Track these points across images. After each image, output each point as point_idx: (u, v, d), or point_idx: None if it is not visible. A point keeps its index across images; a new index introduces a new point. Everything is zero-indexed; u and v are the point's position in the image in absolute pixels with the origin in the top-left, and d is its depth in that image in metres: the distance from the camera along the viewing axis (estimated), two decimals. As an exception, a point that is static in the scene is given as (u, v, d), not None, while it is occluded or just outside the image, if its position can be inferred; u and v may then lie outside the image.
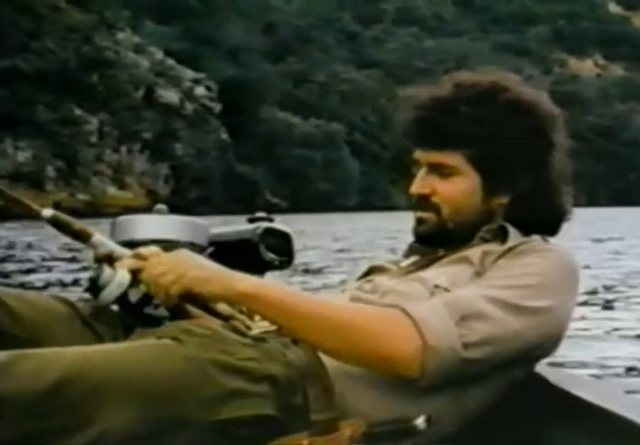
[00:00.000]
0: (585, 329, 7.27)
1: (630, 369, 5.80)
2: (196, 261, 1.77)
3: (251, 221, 2.23)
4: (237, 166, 78.75)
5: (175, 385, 1.64)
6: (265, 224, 2.21)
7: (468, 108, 1.92)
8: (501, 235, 1.97)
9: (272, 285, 1.75)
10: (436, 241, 2.02)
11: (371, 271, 2.11)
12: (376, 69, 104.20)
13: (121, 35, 78.04)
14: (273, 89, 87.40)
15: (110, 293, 1.64)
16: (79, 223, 1.92)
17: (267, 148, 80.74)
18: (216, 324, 1.81)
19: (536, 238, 1.97)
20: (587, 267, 12.73)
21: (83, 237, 1.91)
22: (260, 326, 1.78)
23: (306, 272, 13.01)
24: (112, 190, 70.15)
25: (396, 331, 1.70)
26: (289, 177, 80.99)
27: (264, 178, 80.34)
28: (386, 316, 1.72)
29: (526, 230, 1.99)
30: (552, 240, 2.00)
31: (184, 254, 1.78)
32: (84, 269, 11.25)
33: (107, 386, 1.60)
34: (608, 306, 9.21)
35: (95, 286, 1.80)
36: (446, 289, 1.86)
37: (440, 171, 1.98)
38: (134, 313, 1.88)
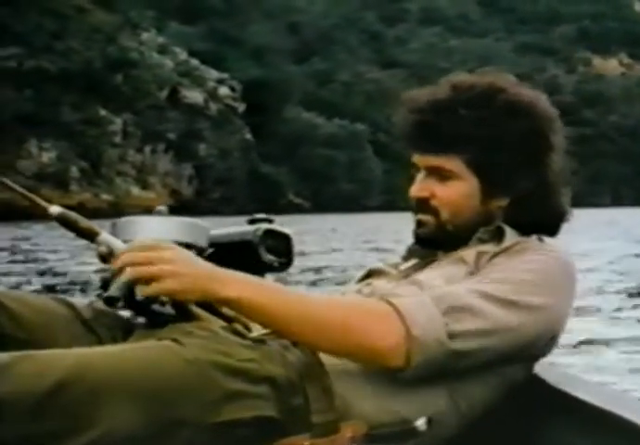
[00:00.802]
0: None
1: None
2: (184, 263, 1.65)
3: (251, 222, 2.22)
4: (261, 166, 78.90)
5: (176, 386, 1.64)
6: (265, 226, 2.20)
7: (466, 112, 1.92)
8: (498, 236, 1.96)
9: (262, 287, 1.69)
10: (436, 243, 2.02)
11: (370, 274, 2.11)
12: (399, 68, 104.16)
13: (145, 36, 78.36)
14: (296, 89, 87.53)
15: (114, 291, 1.63)
16: (86, 222, 1.90)
17: (291, 148, 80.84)
18: (216, 325, 1.82)
19: (532, 238, 1.97)
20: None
21: (89, 236, 1.89)
22: (260, 328, 1.78)
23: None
24: (136, 190, 70.41)
25: (380, 322, 1.70)
26: (313, 177, 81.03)
27: (288, 178, 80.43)
28: (370, 308, 1.73)
29: (525, 231, 1.98)
30: (550, 240, 2.00)
31: (170, 254, 1.66)
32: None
33: (107, 387, 1.60)
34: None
35: (106, 286, 1.79)
36: None
37: (438, 174, 1.98)
38: (141, 311, 1.88)
